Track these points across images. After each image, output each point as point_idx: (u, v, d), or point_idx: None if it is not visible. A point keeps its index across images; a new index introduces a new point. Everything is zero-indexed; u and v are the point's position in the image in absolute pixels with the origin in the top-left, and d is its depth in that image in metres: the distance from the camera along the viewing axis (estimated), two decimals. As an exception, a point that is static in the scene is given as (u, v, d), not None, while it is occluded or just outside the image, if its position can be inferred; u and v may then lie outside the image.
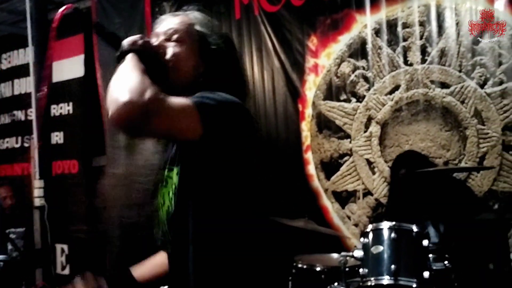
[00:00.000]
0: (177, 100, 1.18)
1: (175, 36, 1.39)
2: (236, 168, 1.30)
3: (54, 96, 4.82)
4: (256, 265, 1.35)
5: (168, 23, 1.42)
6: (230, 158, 1.27)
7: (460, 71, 3.38)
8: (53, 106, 4.91)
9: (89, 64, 4.68)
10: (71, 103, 4.91)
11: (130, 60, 1.25)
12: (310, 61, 3.90)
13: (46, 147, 4.44)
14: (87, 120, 4.73)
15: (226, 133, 1.23)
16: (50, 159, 4.68)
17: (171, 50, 1.37)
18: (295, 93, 3.96)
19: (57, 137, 4.98)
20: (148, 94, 1.11)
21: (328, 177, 3.85)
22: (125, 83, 1.15)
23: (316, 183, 3.89)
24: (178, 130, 1.19)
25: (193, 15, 1.45)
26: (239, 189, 1.31)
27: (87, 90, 4.68)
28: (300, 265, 3.06)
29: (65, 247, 4.90)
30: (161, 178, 1.43)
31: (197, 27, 1.41)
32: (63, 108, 4.97)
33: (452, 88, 3.40)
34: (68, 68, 4.86)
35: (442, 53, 3.43)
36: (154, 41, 1.38)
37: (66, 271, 4.91)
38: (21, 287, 3.97)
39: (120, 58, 1.28)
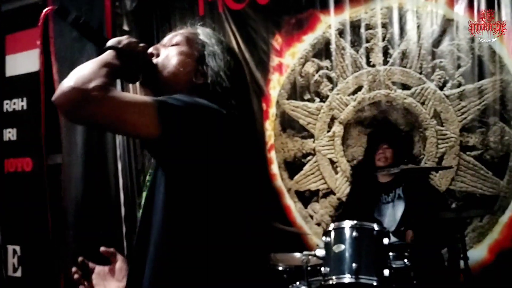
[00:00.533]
0: (129, 95, 1.17)
1: (174, 40, 1.37)
2: (200, 172, 1.22)
3: (7, 91, 4.63)
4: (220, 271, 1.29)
5: (173, 34, 1.41)
6: (194, 162, 1.21)
7: (420, 73, 3.45)
8: (6, 102, 4.70)
9: (44, 58, 4.50)
10: (25, 99, 4.71)
11: (104, 55, 1.23)
12: (274, 60, 3.90)
13: (-2, 144, 4.26)
14: (42, 116, 4.56)
15: (190, 137, 1.17)
16: (2, 156, 4.49)
17: (165, 52, 1.35)
18: (259, 92, 3.94)
19: (9, 134, 4.77)
20: (94, 83, 1.10)
21: (291, 177, 3.86)
22: (78, 71, 1.15)
23: (279, 182, 3.88)
24: (124, 123, 1.14)
25: (199, 28, 1.42)
26: (203, 194, 1.24)
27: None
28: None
29: (17, 248, 4.71)
30: (145, 183, 1.40)
31: (201, 37, 1.38)
32: (17, 104, 4.75)
33: (412, 90, 3.47)
34: (23, 62, 4.66)
35: (404, 55, 3.51)
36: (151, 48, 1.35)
37: (18, 274, 4.71)
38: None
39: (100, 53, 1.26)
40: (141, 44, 1.32)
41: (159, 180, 1.27)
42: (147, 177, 1.40)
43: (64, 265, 4.34)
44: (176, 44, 1.36)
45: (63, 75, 4.38)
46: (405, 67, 3.49)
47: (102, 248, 1.49)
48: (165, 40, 1.40)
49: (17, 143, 4.74)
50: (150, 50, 1.35)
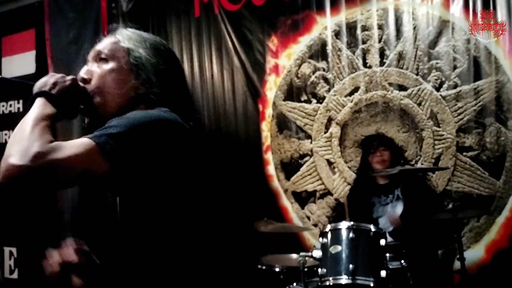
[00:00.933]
0: (69, 146, 1.10)
1: (101, 55, 1.33)
2: (159, 186, 1.21)
3: (3, 93, 4.61)
4: None
5: (96, 48, 1.36)
6: (151, 178, 1.19)
7: (417, 74, 3.45)
8: (2, 104, 4.70)
9: (41, 60, 4.50)
10: (21, 101, 4.70)
11: (36, 108, 1.18)
12: (270, 61, 3.89)
13: (-6, 146, 4.25)
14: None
15: (138, 157, 1.14)
16: (-1, 158, 4.48)
17: (96, 73, 1.31)
18: (255, 93, 3.94)
19: (6, 136, 4.77)
20: (33, 152, 1.04)
21: (288, 178, 3.85)
22: (15, 140, 1.09)
23: (276, 183, 3.88)
24: (82, 174, 1.10)
25: (120, 34, 1.37)
26: (167, 208, 1.23)
27: (39, 87, 4.51)
28: (259, 266, 3.05)
29: (14, 250, 4.69)
30: None
31: (122, 44, 1.34)
32: (13, 106, 4.75)
33: (409, 91, 3.47)
34: (19, 64, 4.65)
35: (400, 56, 3.50)
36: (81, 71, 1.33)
37: (15, 275, 4.70)
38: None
39: (31, 105, 1.20)
40: (68, 78, 1.28)
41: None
42: None
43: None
44: (104, 60, 1.32)
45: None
46: (401, 68, 3.49)
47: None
48: (91, 55, 1.36)
49: (13, 145, 4.74)
50: (82, 75, 1.31)
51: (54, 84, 1.23)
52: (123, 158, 1.12)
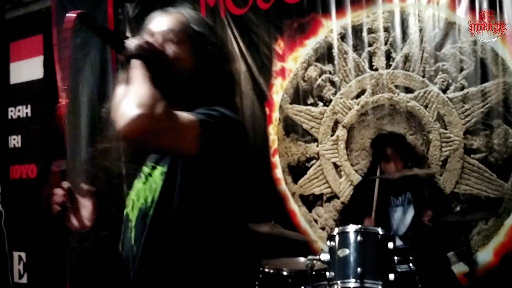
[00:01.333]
0: (185, 117, 1.17)
1: (173, 37, 1.35)
2: (226, 181, 1.28)
3: (12, 98, 4.65)
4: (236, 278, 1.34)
5: (162, 21, 1.38)
6: (221, 172, 1.26)
7: (423, 76, 3.44)
8: (10, 109, 4.73)
9: (48, 66, 4.53)
10: (29, 106, 4.74)
11: (139, 69, 1.22)
12: (277, 65, 3.89)
13: (3, 151, 4.28)
14: (46, 123, 4.58)
15: (221, 151, 1.23)
16: (8, 163, 4.51)
17: (171, 51, 1.34)
18: (262, 97, 3.94)
19: (14, 141, 4.80)
20: (159, 109, 1.09)
21: (295, 181, 3.85)
22: (135, 96, 1.12)
23: (283, 186, 3.87)
24: (181, 147, 1.17)
25: (187, 13, 1.41)
26: (226, 201, 1.30)
27: (46, 93, 4.53)
28: (266, 270, 3.03)
29: (23, 254, 4.72)
30: (138, 173, 1.39)
31: (194, 26, 1.38)
32: (21, 111, 4.79)
33: (416, 93, 3.46)
34: (27, 69, 4.69)
35: (406, 59, 3.49)
36: (154, 42, 1.34)
37: (24, 280, 4.73)
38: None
39: (126, 61, 1.25)
40: (154, 42, 1.32)
41: (173, 184, 1.27)
42: (146, 169, 1.39)
43: (70, 271, 4.35)
44: (178, 42, 1.34)
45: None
46: (408, 70, 3.48)
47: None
48: (158, 27, 1.37)
49: (22, 150, 4.77)
50: (158, 45, 1.33)
51: (151, 48, 1.28)
52: (212, 147, 1.19)
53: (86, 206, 1.49)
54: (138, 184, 1.39)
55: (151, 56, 1.27)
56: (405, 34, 3.50)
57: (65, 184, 1.48)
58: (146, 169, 1.38)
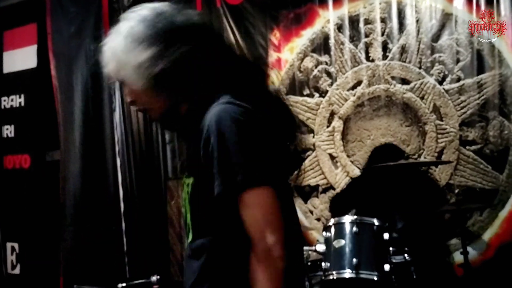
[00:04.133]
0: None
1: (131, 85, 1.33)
2: None
3: (5, 88, 4.60)
4: None
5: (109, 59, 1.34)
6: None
7: (420, 68, 3.44)
8: (3, 98, 4.68)
9: (42, 55, 4.48)
10: (23, 95, 4.69)
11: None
12: (273, 55, 3.87)
13: (-4, 141, 4.25)
14: (40, 113, 4.54)
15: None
16: (1, 153, 4.48)
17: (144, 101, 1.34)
18: (257, 87, 3.92)
19: (7, 131, 4.76)
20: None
21: (290, 172, 3.84)
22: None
23: (278, 178, 3.86)
24: None
25: (134, 28, 1.30)
26: None
27: (40, 82, 4.49)
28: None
29: (16, 245, 4.70)
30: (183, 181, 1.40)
31: (146, 31, 1.28)
32: (14, 101, 4.73)
33: (412, 84, 3.46)
34: (20, 58, 4.64)
35: (403, 50, 3.48)
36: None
37: (17, 271, 4.71)
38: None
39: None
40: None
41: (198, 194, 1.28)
42: (184, 178, 1.38)
43: (64, 262, 4.33)
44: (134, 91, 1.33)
45: (60, 71, 4.38)
46: (404, 61, 3.47)
47: None
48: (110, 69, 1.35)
49: (15, 139, 4.73)
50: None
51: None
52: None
53: None
54: (183, 192, 1.39)
55: None
56: (402, 25, 3.48)
57: None
58: (184, 178, 1.37)
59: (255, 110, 1.22)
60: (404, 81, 3.49)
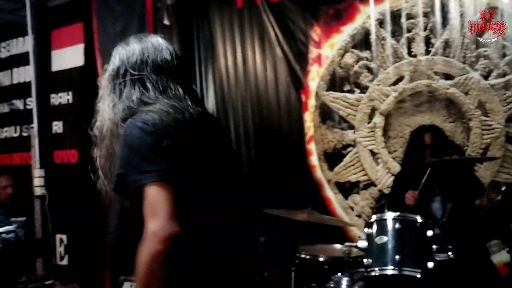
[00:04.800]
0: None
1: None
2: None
3: (54, 85, 4.76)
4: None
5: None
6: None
7: (464, 63, 3.38)
8: (52, 96, 4.85)
9: (89, 53, 4.62)
10: (70, 93, 4.85)
11: None
12: (313, 52, 3.86)
13: (46, 137, 4.39)
14: (87, 109, 4.67)
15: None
16: (51, 148, 4.63)
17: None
18: (298, 84, 3.93)
19: (56, 127, 4.93)
20: None
21: (331, 168, 3.84)
22: None
23: (319, 174, 3.87)
24: None
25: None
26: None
27: (87, 80, 4.62)
28: (303, 255, 3.05)
29: (64, 237, 4.87)
30: None
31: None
32: (63, 98, 4.91)
33: (455, 80, 3.40)
34: (68, 57, 4.79)
35: (446, 45, 3.43)
36: None
37: (65, 262, 4.88)
38: (22, 277, 3.93)
39: None
40: None
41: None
42: None
43: (110, 253, 4.46)
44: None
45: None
46: (447, 56, 3.41)
47: None
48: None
49: (63, 135, 4.89)
50: None
51: None
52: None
53: None
54: None
55: None
56: (445, 19, 3.42)
57: None
58: None
59: (168, 121, 1.42)
60: (448, 77, 3.43)
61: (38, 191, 4.24)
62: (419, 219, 2.73)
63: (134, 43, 1.60)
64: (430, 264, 2.61)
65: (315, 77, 3.88)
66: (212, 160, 1.51)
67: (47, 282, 3.97)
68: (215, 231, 1.47)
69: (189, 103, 1.53)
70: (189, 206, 1.40)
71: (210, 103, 4.25)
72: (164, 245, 1.31)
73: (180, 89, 1.54)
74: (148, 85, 1.52)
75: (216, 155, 1.55)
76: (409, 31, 3.55)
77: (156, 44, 1.58)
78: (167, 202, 1.34)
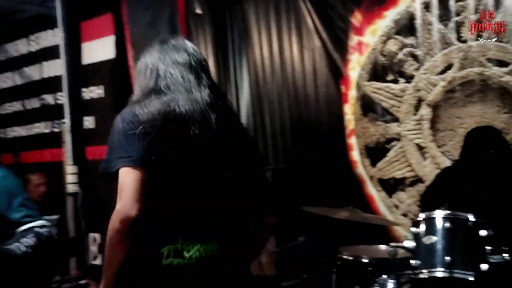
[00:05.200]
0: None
1: None
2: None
3: (85, 79, 4.71)
4: None
5: None
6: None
7: (520, 48, 3.16)
8: (83, 90, 4.80)
9: (120, 45, 4.55)
10: (102, 87, 4.79)
11: None
12: (353, 39, 3.75)
13: (78, 132, 4.36)
14: (120, 104, 4.61)
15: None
16: (83, 144, 4.59)
17: None
18: (337, 74, 3.83)
19: (87, 122, 4.89)
20: None
21: (373, 164, 3.72)
22: None
23: (360, 170, 3.76)
24: None
25: None
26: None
27: (118, 73, 4.55)
28: (345, 256, 2.94)
29: (97, 236, 4.83)
30: None
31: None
32: (94, 92, 4.85)
33: (511, 67, 3.20)
34: (99, 49, 4.73)
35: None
36: None
37: (98, 261, 4.85)
38: (56, 276, 3.89)
39: None
40: None
41: None
42: None
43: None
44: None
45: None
46: (501, 41, 3.21)
47: None
48: None
49: (96, 131, 4.85)
50: None
51: None
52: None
53: None
54: None
55: None
56: (498, 1, 3.21)
57: None
58: None
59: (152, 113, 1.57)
60: (502, 64, 3.23)
61: (71, 188, 4.22)
62: (471, 217, 2.56)
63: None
64: (484, 266, 2.44)
65: (355, 67, 3.76)
66: (198, 155, 1.59)
67: (82, 282, 3.95)
68: (182, 222, 1.57)
69: (197, 95, 1.63)
70: (161, 192, 1.54)
71: (245, 95, 4.23)
72: (123, 224, 1.46)
73: (192, 80, 1.67)
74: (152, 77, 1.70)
75: (207, 151, 1.61)
76: (458, 14, 3.35)
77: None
78: (133, 185, 1.48)
